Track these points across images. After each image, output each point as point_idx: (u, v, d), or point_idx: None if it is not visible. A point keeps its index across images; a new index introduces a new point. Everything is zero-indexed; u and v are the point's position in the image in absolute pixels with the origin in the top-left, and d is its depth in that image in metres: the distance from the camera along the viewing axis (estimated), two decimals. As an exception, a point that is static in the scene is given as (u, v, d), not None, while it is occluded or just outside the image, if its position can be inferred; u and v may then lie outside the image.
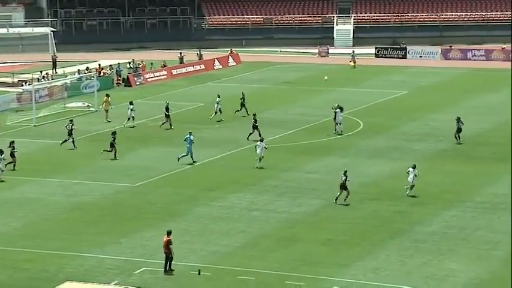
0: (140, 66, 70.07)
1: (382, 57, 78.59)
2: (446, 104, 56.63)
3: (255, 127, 46.05)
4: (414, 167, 36.40)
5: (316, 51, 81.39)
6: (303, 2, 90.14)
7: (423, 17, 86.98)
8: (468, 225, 32.89)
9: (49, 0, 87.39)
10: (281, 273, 28.38)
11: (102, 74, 66.67)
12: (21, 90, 60.22)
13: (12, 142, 42.06)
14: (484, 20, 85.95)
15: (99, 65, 68.81)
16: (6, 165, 40.55)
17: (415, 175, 36.10)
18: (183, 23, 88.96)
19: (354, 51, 75.02)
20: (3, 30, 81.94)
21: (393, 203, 35.63)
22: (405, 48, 78.80)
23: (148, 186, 38.81)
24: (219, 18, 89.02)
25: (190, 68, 72.47)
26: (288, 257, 29.90)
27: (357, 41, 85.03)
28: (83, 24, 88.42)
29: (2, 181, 39.16)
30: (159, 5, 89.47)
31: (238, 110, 52.43)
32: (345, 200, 35.37)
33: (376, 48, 79.93)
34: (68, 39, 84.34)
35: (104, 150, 43.04)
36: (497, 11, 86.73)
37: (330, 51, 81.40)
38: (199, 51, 77.11)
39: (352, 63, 73.07)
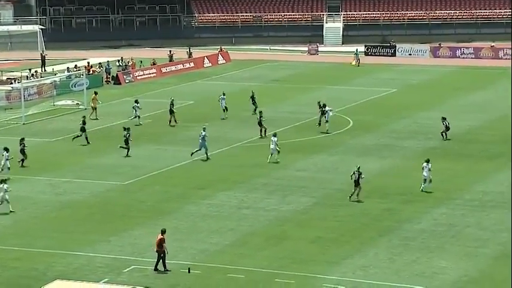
0: (130, 64, 69.96)
1: (371, 55, 78.68)
2: (436, 102, 56.77)
3: (260, 124, 45.95)
4: (428, 161, 36.50)
5: (306, 49, 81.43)
6: (292, 0, 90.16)
7: (412, 15, 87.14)
8: (457, 223, 32.98)
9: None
10: (270, 271, 28.40)
11: (91, 72, 66.53)
12: (10, 88, 59.98)
13: (23, 139, 42.17)
14: (473, 18, 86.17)
15: (88, 63, 68.62)
16: (19, 161, 40.90)
17: (429, 169, 36.26)
18: (173, 20, 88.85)
19: (357, 50, 74.63)
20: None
21: (382, 201, 35.70)
22: (394, 46, 78.93)
23: (138, 185, 38.76)
24: (209, 16, 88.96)
25: (180, 66, 72.40)
26: (277, 255, 29.93)
27: (347, 39, 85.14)
28: (72, 22, 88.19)
29: (9, 179, 39.09)
30: (149, 3, 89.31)
31: (255, 108, 52.10)
32: (357, 196, 35.38)
33: (365, 46, 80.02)
34: (57, 37, 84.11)
35: (121, 147, 43.26)
36: (486, 9, 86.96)
37: (319, 49, 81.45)
38: (189, 49, 77.04)
39: (353, 62, 72.68)
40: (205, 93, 60.71)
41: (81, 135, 45.82)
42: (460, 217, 33.68)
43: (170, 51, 75.00)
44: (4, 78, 66.23)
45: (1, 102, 57.63)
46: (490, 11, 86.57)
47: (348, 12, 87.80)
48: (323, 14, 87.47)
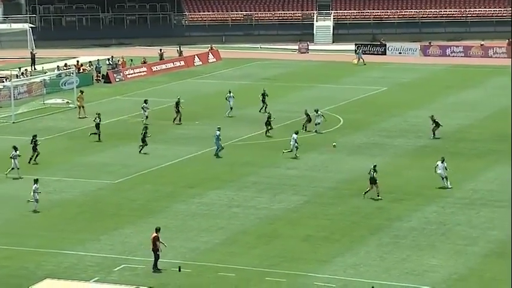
0: (120, 62, 69.84)
1: (362, 53, 78.68)
2: (426, 100, 56.88)
3: (267, 124, 45.97)
4: (443, 161, 36.77)
5: (296, 47, 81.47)
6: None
7: (402, 13, 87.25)
8: (447, 221, 33.06)
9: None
10: (261, 270, 28.42)
11: (81, 70, 66.39)
12: (0, 87, 59.80)
13: (35, 136, 42.26)
14: (463, 16, 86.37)
15: (78, 61, 68.49)
16: (30, 158, 41.18)
17: (445, 168, 36.61)
18: (163, 19, 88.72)
19: (360, 49, 74.52)
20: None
21: (373, 199, 35.74)
22: (385, 45, 79.00)
23: (128, 183, 38.71)
24: (199, 15, 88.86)
25: (170, 65, 72.32)
26: (268, 254, 29.94)
27: (337, 38, 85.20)
28: (62, 20, 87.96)
29: (21, 177, 39.02)
30: (139, 1, 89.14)
31: (266, 107, 52.21)
32: (378, 195, 35.34)
33: (355, 44, 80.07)
34: (47, 35, 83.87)
35: (140, 145, 43.45)
36: (475, 8, 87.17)
37: (310, 47, 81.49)
38: (179, 47, 76.94)
39: (355, 61, 72.60)
40: (195, 92, 60.66)
41: (96, 133, 46.09)
42: (450, 215, 33.77)
43: (161, 49, 74.89)
44: (-6, 76, 66.03)
45: (-9, 101, 57.48)
46: (480, 9, 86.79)
47: (338, 11, 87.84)
48: (313, 13, 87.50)
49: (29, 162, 41.35)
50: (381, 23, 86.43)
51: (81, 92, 54.35)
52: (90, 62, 69.36)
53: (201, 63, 74.53)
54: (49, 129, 49.61)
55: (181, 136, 46.74)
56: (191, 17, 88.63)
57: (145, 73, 69.39)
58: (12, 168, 39.25)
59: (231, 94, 52.53)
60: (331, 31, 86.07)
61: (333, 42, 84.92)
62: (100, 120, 46.51)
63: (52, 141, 46.77)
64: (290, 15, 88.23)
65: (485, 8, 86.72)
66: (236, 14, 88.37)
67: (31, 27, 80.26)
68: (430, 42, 79.36)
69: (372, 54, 78.21)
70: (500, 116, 51.94)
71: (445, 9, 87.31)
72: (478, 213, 33.95)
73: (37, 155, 41.79)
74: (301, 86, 62.55)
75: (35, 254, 30.13)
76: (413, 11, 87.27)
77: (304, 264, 28.90)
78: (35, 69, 69.85)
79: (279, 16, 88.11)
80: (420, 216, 33.65)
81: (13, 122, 51.83)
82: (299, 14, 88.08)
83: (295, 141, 41.73)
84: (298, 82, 64.53)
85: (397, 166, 40.36)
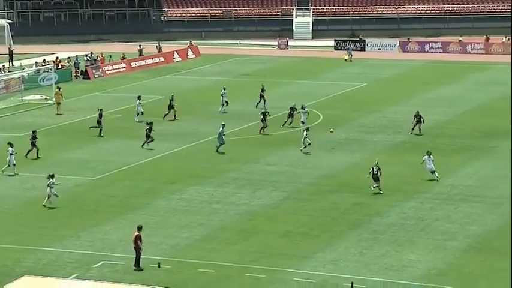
0: (99, 58, 69.54)
1: (341, 49, 78.87)
2: (405, 96, 57.12)
3: (263, 120, 45.91)
4: (430, 155, 37.35)
5: (276, 43, 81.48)
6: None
7: (381, 9, 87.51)
8: (426, 216, 33.22)
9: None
10: (241, 266, 28.43)
11: (60, 66, 66.04)
12: (-22, 83, 59.43)
13: (35, 131, 42.23)
14: (441, 12, 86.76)
15: (57, 57, 68.11)
16: (28, 152, 41.19)
17: (433, 161, 37.17)
18: (142, 15, 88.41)
19: (350, 46, 74.59)
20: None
21: (352, 195, 35.87)
22: (364, 41, 79.23)
23: (108, 180, 38.58)
24: (178, 11, 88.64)
25: (150, 61, 72.09)
26: (248, 249, 29.96)
27: (316, 34, 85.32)
28: (40, 16, 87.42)
29: (17, 174, 38.74)
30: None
31: (258, 103, 52.39)
32: (380, 190, 35.65)
33: (335, 40, 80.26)
34: (25, 31, 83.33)
35: (147, 142, 43.31)
36: (454, 4, 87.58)
37: (289, 43, 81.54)
38: (159, 43, 76.74)
39: (346, 57, 72.68)
40: (175, 88, 60.49)
41: (100, 127, 46.08)
42: (428, 210, 33.94)
43: (140, 45, 74.66)
44: (-29, 72, 65.54)
45: (-31, 97, 57.08)
46: (458, 5, 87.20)
47: (317, 7, 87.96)
48: (293, 9, 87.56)
49: (37, 157, 41.55)
50: (360, 19, 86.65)
51: (59, 88, 54.06)
52: (68, 58, 68.99)
53: (180, 59, 74.38)
54: (27, 126, 49.24)
55: (161, 132, 46.60)
56: (170, 13, 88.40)
57: (124, 69, 69.14)
58: (8, 165, 38.97)
59: (225, 91, 52.47)
60: (311, 27, 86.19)
61: (312, 38, 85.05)
62: (101, 117, 46.44)
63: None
64: (269, 11, 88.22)
65: (463, 4, 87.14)
66: (215, 10, 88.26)
67: (9, 22, 79.76)
68: (408, 38, 79.66)
69: (352, 50, 78.32)
70: (478, 111, 52.29)
71: (424, 6, 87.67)
72: (457, 209, 34.15)
73: (37, 150, 41.76)
74: (280, 82, 62.57)
75: (12, 251, 29.95)
76: (392, 7, 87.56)
77: (284, 260, 28.94)
78: (12, 65, 69.39)
79: (259, 12, 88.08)
80: (399, 211, 33.80)
81: (-9, 118, 51.52)
82: (278, 10, 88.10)
83: (306, 138, 41.76)
84: (278, 78, 64.55)
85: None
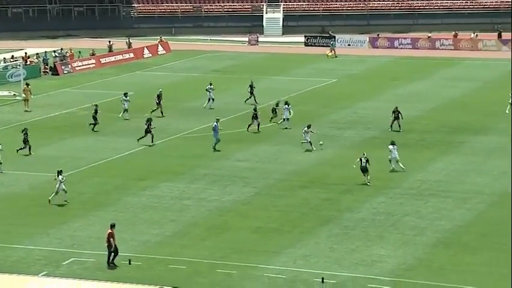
0: (68, 54, 69.06)
1: (311, 45, 79.10)
2: (375, 92, 57.39)
3: (254, 117, 45.59)
4: (393, 144, 38.04)
5: (246, 39, 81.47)
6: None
7: (351, 5, 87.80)
8: (396, 212, 33.43)
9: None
10: (212, 262, 28.42)
11: (28, 62, 65.50)
12: None
13: (25, 129, 41.95)
14: (411, 8, 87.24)
15: (26, 53, 67.53)
16: (17, 150, 41.05)
17: (396, 150, 37.96)
18: (111, 10, 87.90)
19: (333, 41, 74.69)
20: None
21: (323, 191, 35.99)
22: (334, 37, 79.44)
23: (77, 176, 38.34)
24: (148, 6, 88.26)
25: (120, 57, 71.74)
26: (218, 246, 29.95)
27: (287, 30, 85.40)
28: (8, 11, 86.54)
29: (1, 172, 38.37)
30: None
31: (248, 99, 52.34)
32: (368, 182, 36.01)
33: (305, 36, 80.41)
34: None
35: (145, 137, 43.28)
36: (422, 0, 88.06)
37: (259, 39, 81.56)
38: (129, 39, 76.36)
39: (329, 53, 72.65)
40: (145, 84, 60.29)
41: (96, 123, 45.97)
42: (398, 206, 34.15)
43: (109, 41, 74.27)
44: None
45: None
46: (427, 2, 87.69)
47: (287, 3, 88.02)
48: (263, 5, 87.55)
49: (17, 151, 41.37)
50: (330, 15, 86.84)
51: (27, 84, 53.61)
52: (37, 54, 68.47)
53: (150, 55, 74.10)
54: (-4, 122, 48.88)
55: (130, 128, 46.43)
56: (140, 9, 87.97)
57: (94, 65, 68.73)
58: None
59: (212, 86, 52.34)
60: (281, 23, 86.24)
61: (283, 34, 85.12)
62: (96, 113, 46.20)
63: (-1, 134, 46.10)
64: (239, 7, 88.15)
65: (432, 0, 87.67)
66: (185, 6, 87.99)
67: (-24, 18, 78.97)
68: (378, 34, 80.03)
69: (321, 46, 78.60)
70: (447, 107, 52.70)
71: (393, 2, 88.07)
72: (426, 204, 34.39)
73: (29, 148, 41.58)
74: (251, 78, 62.50)
75: (-18, 248, 29.70)
76: (361, 3, 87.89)
77: (255, 255, 28.98)
78: (-20, 61, 68.69)
79: (229, 8, 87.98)
80: (369, 207, 33.97)
81: (-42, 115, 50.97)
82: (248, 6, 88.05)
83: (305, 134, 41.78)
84: (248, 74, 64.51)
85: (346, 158, 40.63)
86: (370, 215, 33.09)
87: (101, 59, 69.85)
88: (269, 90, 56.52)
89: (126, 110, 49.32)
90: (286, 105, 47.19)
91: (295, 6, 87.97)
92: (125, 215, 33.19)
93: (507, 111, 49.22)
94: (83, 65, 68.02)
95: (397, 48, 77.37)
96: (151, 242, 30.39)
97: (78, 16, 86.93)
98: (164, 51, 75.70)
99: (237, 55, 74.57)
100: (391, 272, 27.63)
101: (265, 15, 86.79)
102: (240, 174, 38.37)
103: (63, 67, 66.43)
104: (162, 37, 78.42)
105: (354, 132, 46.35)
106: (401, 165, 38.12)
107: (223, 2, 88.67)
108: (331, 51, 72.81)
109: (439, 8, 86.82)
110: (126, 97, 49.72)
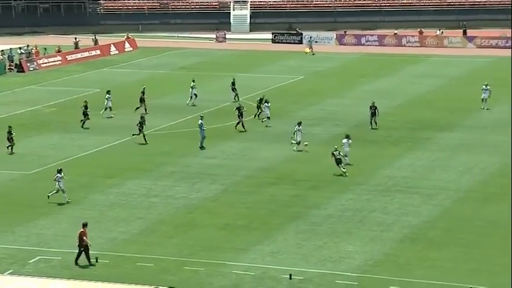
0: (33, 51, 68.45)
1: (278, 42, 79.22)
2: (342, 88, 57.61)
3: (240, 116, 45.21)
4: (348, 138, 38.60)
5: (214, 36, 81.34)
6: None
7: (318, 2, 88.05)
8: (363, 208, 33.60)
9: None
10: (180, 259, 28.36)
11: (-7, 59, 64.86)
12: None
13: (10, 127, 41.61)
14: (377, 5, 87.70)
15: (-10, 50, 66.86)
16: (8, 147, 40.94)
17: (349, 145, 38.52)
18: (77, 7, 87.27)
19: (311, 37, 74.86)
20: None
21: (291, 187, 36.06)
22: (301, 34, 79.62)
23: (43, 174, 38.03)
24: (115, 3, 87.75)
25: (86, 54, 71.29)
26: (186, 243, 29.90)
27: (254, 26, 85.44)
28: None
29: None
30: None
31: (236, 95, 52.22)
32: (345, 172, 36.76)
33: (272, 33, 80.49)
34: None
35: (133, 134, 43.11)
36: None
37: (227, 36, 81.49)
38: (95, 36, 75.92)
39: (308, 50, 72.63)
40: (112, 81, 59.96)
41: (84, 119, 45.79)
42: (365, 202, 34.32)
43: (76, 38, 73.77)
44: None
45: None
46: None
47: (254, 0, 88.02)
48: (230, 2, 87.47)
49: (12, 152, 41.06)
50: (297, 12, 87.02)
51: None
52: (2, 50, 67.76)
53: (117, 52, 73.72)
54: (-40, 120, 48.32)
55: (97, 126, 46.14)
56: (106, 5, 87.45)
57: (60, 62, 68.21)
58: None
59: (195, 83, 52.12)
60: (248, 20, 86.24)
61: (250, 31, 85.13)
62: (87, 108, 45.96)
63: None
64: (207, 3, 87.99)
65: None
66: (152, 3, 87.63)
67: None
68: (345, 31, 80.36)
69: (288, 43, 78.79)
70: (413, 103, 53.07)
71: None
72: (393, 200, 34.61)
73: (12, 146, 41.31)
74: (218, 75, 62.50)
75: None
76: (328, 0, 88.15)
77: (223, 252, 28.97)
78: None
79: (196, 5, 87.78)
80: (336, 203, 34.10)
81: None
82: (216, 3, 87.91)
83: (296, 132, 41.65)
84: (216, 71, 64.47)
85: (314, 154, 40.77)
86: (337, 211, 33.22)
87: (67, 56, 69.34)
88: (237, 87, 56.46)
89: (110, 108, 49.00)
90: (266, 103, 47.19)
91: (262, 3, 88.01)
92: (91, 212, 32.99)
93: (483, 108, 49.88)
94: (48, 62, 67.46)
95: (364, 45, 77.78)
96: (118, 239, 30.25)
97: (43, 13, 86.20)
98: (131, 48, 75.36)
99: (204, 52, 74.45)
100: (358, 268, 27.78)
101: (232, 12, 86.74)
102: (208, 171, 38.32)
103: (28, 64, 65.84)
104: (129, 34, 78.04)
105: (322, 128, 46.50)
106: (347, 160, 38.21)
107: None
108: (309, 48, 72.97)
109: (405, 6, 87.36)
110: (109, 95, 49.36)
